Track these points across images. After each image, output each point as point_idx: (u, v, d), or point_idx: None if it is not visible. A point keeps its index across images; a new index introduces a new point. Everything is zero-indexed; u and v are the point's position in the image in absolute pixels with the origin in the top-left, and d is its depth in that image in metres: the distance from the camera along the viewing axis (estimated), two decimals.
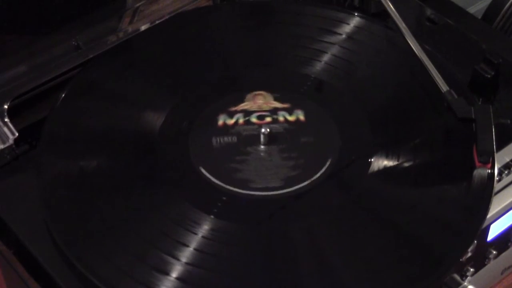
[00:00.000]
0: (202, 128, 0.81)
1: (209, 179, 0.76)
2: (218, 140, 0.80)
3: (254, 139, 0.79)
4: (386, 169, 0.77)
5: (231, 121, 0.81)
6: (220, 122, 0.81)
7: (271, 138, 0.79)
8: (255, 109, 0.82)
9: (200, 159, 0.78)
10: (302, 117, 0.81)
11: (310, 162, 0.78)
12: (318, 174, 0.77)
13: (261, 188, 0.76)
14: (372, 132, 0.80)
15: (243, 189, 0.76)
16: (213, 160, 0.78)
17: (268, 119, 0.81)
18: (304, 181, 0.76)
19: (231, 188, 0.76)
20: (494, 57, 0.83)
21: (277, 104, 0.82)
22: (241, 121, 0.81)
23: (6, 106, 0.81)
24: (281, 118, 0.81)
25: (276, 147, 0.79)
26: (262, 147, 0.79)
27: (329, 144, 0.79)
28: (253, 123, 0.81)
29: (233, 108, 0.82)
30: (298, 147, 0.79)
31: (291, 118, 0.81)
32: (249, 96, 0.83)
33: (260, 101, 0.82)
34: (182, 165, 0.78)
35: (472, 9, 1.03)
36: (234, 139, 0.80)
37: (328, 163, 0.78)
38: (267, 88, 0.84)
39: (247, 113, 0.82)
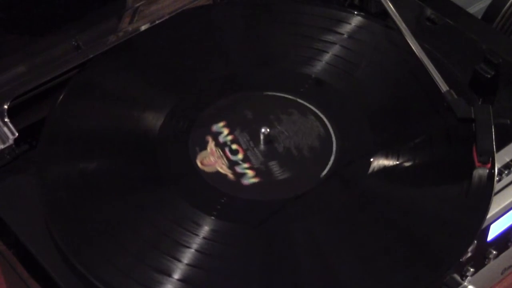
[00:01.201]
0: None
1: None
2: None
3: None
4: (386, 169, 0.77)
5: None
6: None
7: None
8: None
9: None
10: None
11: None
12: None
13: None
14: (372, 132, 0.80)
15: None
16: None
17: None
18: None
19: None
20: (494, 57, 0.83)
21: None
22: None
23: (6, 106, 0.81)
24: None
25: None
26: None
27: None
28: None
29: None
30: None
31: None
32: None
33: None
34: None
35: (472, 9, 1.03)
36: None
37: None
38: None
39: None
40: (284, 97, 0.83)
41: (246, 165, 0.78)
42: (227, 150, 0.79)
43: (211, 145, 0.79)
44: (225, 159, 0.78)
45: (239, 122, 0.81)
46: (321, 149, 0.79)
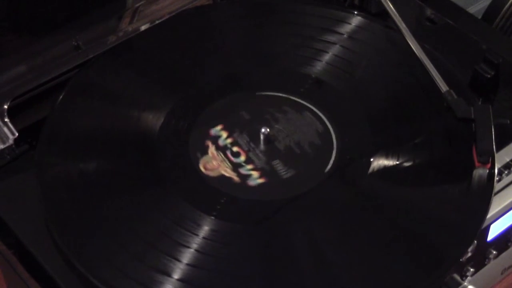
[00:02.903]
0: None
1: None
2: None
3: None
4: (386, 169, 0.77)
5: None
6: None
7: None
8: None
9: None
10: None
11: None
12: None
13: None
14: (372, 132, 0.80)
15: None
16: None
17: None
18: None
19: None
20: (494, 57, 0.83)
21: None
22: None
23: (6, 106, 0.81)
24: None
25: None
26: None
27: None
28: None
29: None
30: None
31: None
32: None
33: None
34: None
35: (472, 9, 1.03)
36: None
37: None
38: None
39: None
40: (284, 97, 0.83)
41: (250, 166, 0.78)
42: (228, 153, 0.79)
43: (211, 149, 0.79)
44: (227, 162, 0.78)
45: (237, 123, 0.81)
46: (321, 149, 0.79)
